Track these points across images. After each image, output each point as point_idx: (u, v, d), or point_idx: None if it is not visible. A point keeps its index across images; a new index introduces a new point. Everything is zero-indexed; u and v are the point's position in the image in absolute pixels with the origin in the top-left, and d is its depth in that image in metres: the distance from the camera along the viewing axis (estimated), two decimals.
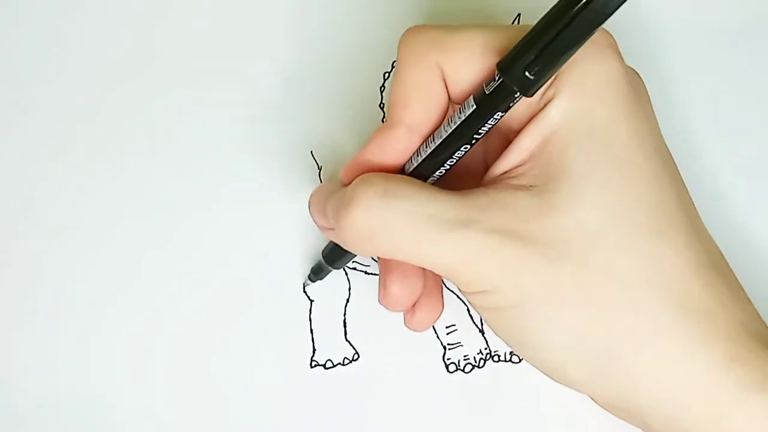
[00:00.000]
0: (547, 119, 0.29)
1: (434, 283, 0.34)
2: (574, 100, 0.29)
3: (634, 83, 0.31)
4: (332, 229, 0.32)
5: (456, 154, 0.30)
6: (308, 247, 0.38)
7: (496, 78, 0.28)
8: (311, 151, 0.39)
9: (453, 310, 0.37)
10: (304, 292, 0.38)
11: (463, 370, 0.37)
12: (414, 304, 0.33)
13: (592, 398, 0.32)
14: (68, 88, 0.39)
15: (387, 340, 0.37)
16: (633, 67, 0.32)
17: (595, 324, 0.29)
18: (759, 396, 0.29)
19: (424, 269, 0.33)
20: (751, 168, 0.39)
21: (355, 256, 0.35)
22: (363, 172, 0.31)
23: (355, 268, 0.38)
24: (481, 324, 0.38)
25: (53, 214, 0.38)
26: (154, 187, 0.38)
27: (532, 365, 0.31)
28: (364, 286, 0.38)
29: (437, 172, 0.31)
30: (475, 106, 0.29)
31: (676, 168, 0.31)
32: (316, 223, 0.35)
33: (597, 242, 0.29)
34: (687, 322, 0.29)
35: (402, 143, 0.31)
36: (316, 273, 0.37)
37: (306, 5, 0.40)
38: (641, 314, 0.29)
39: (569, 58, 0.27)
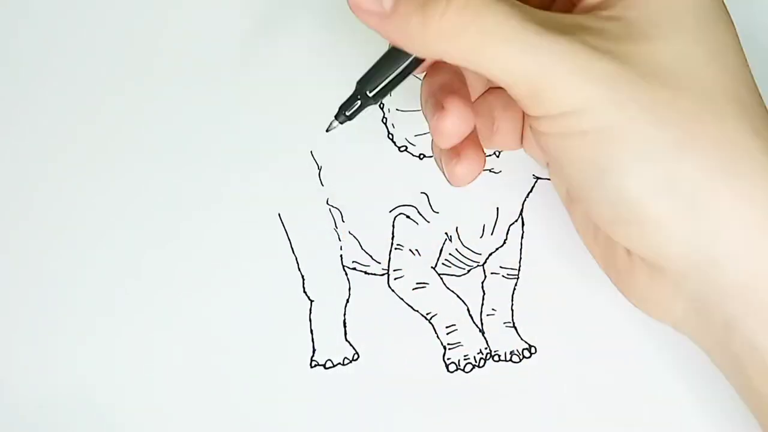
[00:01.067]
0: None
1: (475, 139, 0.31)
2: None
3: None
4: (387, 17, 0.28)
5: None
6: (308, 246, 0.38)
7: None
8: (311, 151, 0.39)
9: (453, 310, 0.37)
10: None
11: (463, 370, 0.37)
12: (460, 152, 0.31)
13: (651, 257, 0.29)
14: (68, 88, 0.39)
15: (387, 340, 0.37)
16: None
17: (695, 153, 0.27)
18: None
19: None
20: None
21: (405, 77, 0.30)
22: None
23: (354, 268, 0.38)
24: (481, 324, 0.38)
25: (53, 214, 0.38)
26: (154, 188, 0.38)
27: (605, 201, 0.29)
28: (364, 286, 0.38)
29: None
30: None
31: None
32: (362, 8, 0.28)
33: (694, 75, 0.28)
34: None
35: None
36: (345, 109, 0.31)
37: (305, 5, 0.40)
38: (736, 152, 0.27)
39: None
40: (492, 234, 0.38)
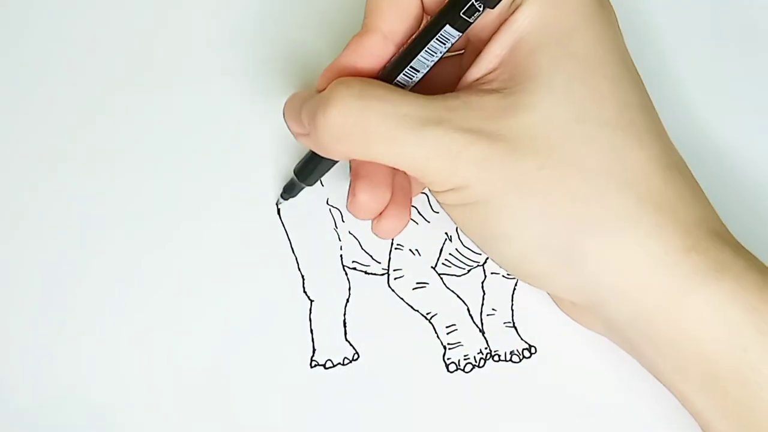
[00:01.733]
0: (515, 25, 0.31)
1: (403, 194, 0.35)
2: (541, 6, 0.31)
3: None
4: (306, 134, 0.32)
5: (425, 58, 0.31)
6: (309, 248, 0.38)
7: None
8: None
9: (453, 310, 0.37)
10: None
11: (463, 370, 0.37)
12: (381, 213, 0.34)
13: (555, 295, 0.33)
14: (68, 89, 0.39)
15: (387, 340, 0.37)
16: None
17: (559, 216, 0.30)
18: (716, 282, 0.30)
19: (393, 179, 0.34)
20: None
21: (328, 169, 0.35)
22: (339, 77, 0.32)
23: (354, 268, 0.38)
24: (481, 324, 0.38)
25: (53, 214, 0.38)
26: (154, 188, 0.38)
27: (498, 262, 0.33)
28: (364, 286, 0.38)
29: (411, 79, 0.32)
30: (438, 13, 0.31)
31: (639, 75, 0.32)
32: (290, 129, 0.34)
33: (562, 136, 0.30)
34: (648, 212, 0.30)
35: (377, 49, 0.32)
36: (288, 191, 0.37)
37: (305, 5, 0.40)
38: (604, 205, 0.30)
39: None
40: None
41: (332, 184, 0.38)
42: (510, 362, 0.37)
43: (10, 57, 0.40)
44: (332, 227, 0.38)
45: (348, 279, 0.38)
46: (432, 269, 0.38)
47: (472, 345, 0.37)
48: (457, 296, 0.38)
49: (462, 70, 0.33)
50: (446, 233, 0.38)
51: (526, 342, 0.37)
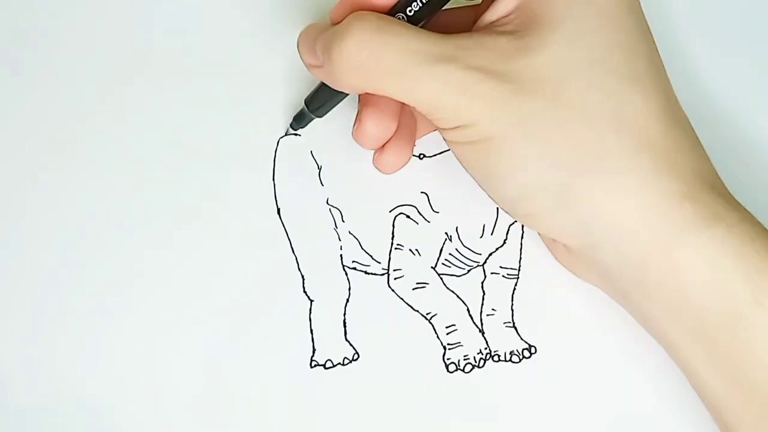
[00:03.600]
0: None
1: (408, 132, 0.36)
2: None
3: None
4: (320, 66, 0.33)
5: None
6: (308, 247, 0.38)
7: None
8: (311, 151, 0.39)
9: (453, 310, 0.37)
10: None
11: (463, 370, 0.37)
12: (384, 145, 0.35)
13: (550, 237, 0.34)
14: (68, 88, 0.39)
15: (387, 340, 0.37)
16: None
17: (559, 156, 0.31)
18: (708, 230, 0.30)
19: (400, 110, 0.34)
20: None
21: (340, 100, 0.36)
22: (353, 12, 0.32)
23: (355, 268, 0.38)
24: (481, 324, 0.38)
25: (53, 214, 0.38)
26: (154, 188, 0.38)
27: (497, 200, 0.33)
28: (364, 286, 0.38)
29: (423, 15, 0.33)
30: None
31: (650, 29, 0.33)
32: (303, 61, 0.35)
33: (569, 80, 0.31)
34: (644, 159, 0.31)
35: None
36: (298, 120, 0.38)
37: (304, 5, 0.40)
38: (602, 149, 0.31)
39: None
40: (492, 234, 0.38)
41: (332, 184, 0.38)
42: (510, 362, 0.37)
43: (10, 58, 0.40)
44: (332, 227, 0.38)
45: (348, 279, 0.38)
46: (432, 269, 0.38)
47: (471, 345, 0.37)
48: (457, 296, 0.38)
49: (476, 21, 0.34)
50: (446, 233, 0.38)
51: (526, 342, 0.37)
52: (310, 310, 0.38)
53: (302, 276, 0.38)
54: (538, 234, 0.38)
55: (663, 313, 0.32)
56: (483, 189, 0.34)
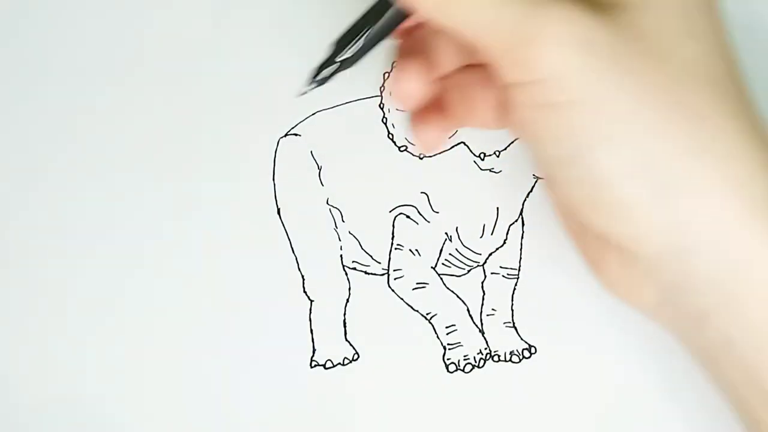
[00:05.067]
0: None
1: (459, 108, 0.32)
2: None
3: None
4: None
5: None
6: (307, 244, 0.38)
7: None
8: (311, 151, 0.39)
9: (453, 311, 0.37)
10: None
11: (463, 370, 0.37)
12: (430, 118, 0.31)
13: (617, 241, 0.28)
14: (67, 88, 0.39)
15: (387, 340, 0.37)
16: None
17: (666, 135, 0.26)
18: None
19: (441, 84, 0.30)
20: None
21: (386, 34, 0.30)
22: None
23: (354, 268, 0.38)
24: (481, 324, 0.38)
25: (52, 214, 0.38)
26: (153, 187, 0.38)
27: (567, 183, 0.28)
28: (364, 286, 0.38)
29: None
30: None
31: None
32: None
33: (677, 46, 0.27)
34: (754, 146, 0.27)
35: None
36: (325, 65, 0.30)
37: (304, 7, 0.40)
38: (717, 128, 0.26)
39: None
40: (492, 234, 0.38)
41: (332, 184, 0.38)
42: (510, 362, 0.37)
43: (10, 57, 0.40)
44: (332, 227, 0.38)
45: (348, 279, 0.38)
46: (432, 269, 0.38)
47: (471, 345, 0.37)
48: (457, 296, 0.38)
49: None
50: (446, 233, 0.38)
51: (525, 342, 0.37)
52: (310, 310, 0.38)
53: (302, 276, 0.38)
54: (578, 249, 0.32)
55: (755, 336, 0.27)
56: (546, 170, 0.29)
